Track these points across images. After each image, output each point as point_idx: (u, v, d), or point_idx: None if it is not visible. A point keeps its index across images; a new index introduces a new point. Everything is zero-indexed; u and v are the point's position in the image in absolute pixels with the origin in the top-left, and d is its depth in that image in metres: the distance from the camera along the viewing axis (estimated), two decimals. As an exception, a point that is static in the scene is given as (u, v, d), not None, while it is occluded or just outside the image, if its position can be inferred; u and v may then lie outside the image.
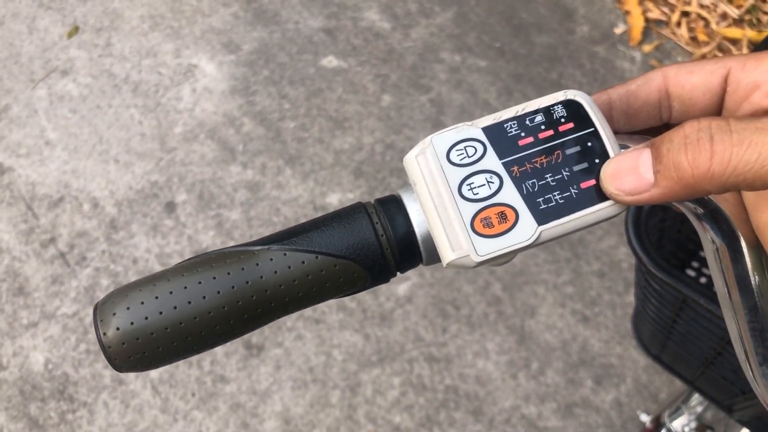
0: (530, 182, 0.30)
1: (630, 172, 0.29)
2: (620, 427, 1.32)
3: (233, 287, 0.30)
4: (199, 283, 0.30)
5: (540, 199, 0.30)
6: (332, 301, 1.43)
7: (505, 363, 1.37)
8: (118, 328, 0.29)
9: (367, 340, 1.40)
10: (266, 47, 1.79)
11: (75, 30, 1.82)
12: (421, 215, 0.31)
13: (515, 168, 0.30)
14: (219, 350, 1.40)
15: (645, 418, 1.07)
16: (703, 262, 0.83)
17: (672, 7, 1.85)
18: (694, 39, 1.81)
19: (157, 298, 0.30)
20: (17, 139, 1.67)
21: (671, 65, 0.33)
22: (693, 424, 0.96)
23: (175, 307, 0.30)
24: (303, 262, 0.31)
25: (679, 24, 1.82)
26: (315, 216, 0.48)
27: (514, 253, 0.30)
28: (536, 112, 0.31)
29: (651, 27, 1.83)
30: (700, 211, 0.34)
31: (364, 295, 1.44)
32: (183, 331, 0.30)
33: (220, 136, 1.65)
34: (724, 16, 1.82)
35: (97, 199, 1.57)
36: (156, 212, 1.55)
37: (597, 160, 0.30)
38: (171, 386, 1.36)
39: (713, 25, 1.80)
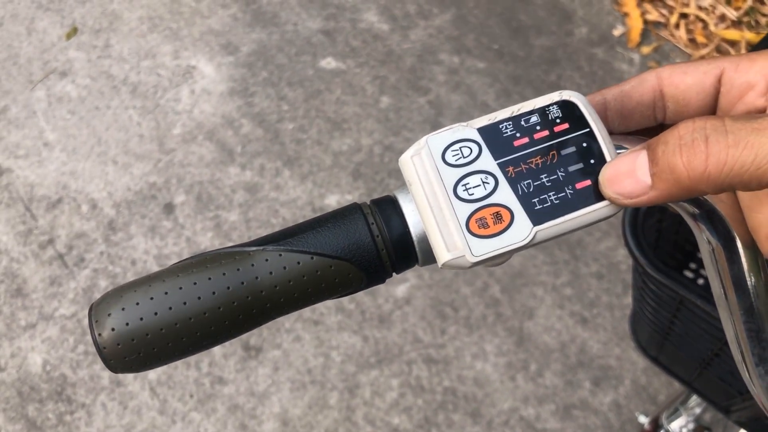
0: (525, 183, 0.30)
1: (627, 176, 0.29)
2: (619, 429, 1.32)
3: (228, 288, 0.30)
4: (195, 283, 0.30)
5: (535, 200, 0.30)
6: (331, 303, 1.43)
7: (504, 365, 1.37)
8: (113, 329, 0.29)
9: (366, 342, 1.40)
10: (265, 49, 1.79)
11: (74, 31, 1.82)
12: (416, 216, 0.32)
13: (510, 168, 0.30)
14: (217, 351, 1.40)
15: (643, 420, 1.07)
16: (701, 264, 0.83)
17: (670, 9, 1.85)
18: (692, 41, 1.81)
19: (152, 299, 0.30)
20: (16, 140, 1.67)
21: (665, 66, 0.33)
22: (691, 426, 0.96)
23: (170, 308, 0.30)
24: (298, 263, 0.31)
25: (677, 26, 1.83)
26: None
27: (510, 253, 0.30)
28: (531, 112, 0.31)
29: (649, 29, 1.83)
30: (696, 211, 0.34)
31: (363, 297, 1.44)
32: (178, 331, 0.30)
33: (219, 138, 1.65)
34: (722, 17, 1.82)
35: (96, 200, 1.57)
36: (154, 213, 1.55)
37: (592, 161, 0.30)
38: (169, 387, 1.36)
39: (712, 27, 1.80)
